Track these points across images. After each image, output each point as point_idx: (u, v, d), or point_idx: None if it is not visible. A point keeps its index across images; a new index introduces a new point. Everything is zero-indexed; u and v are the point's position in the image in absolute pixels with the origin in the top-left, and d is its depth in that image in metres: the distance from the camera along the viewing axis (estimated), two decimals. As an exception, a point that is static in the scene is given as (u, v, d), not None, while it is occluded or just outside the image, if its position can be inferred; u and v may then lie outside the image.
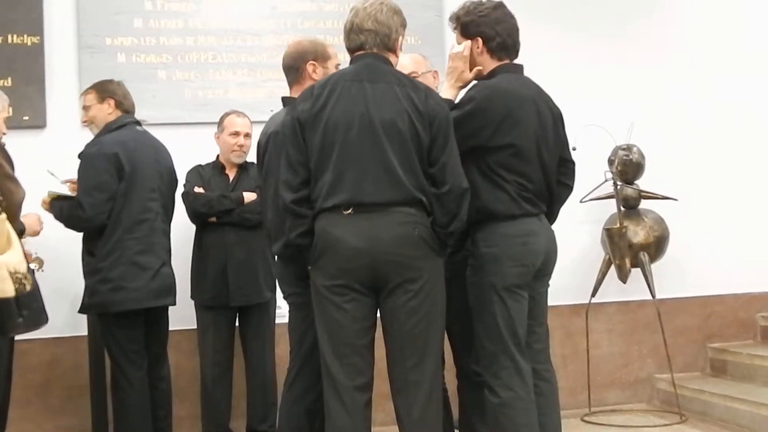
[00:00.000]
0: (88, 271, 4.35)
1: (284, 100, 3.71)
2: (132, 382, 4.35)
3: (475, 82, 3.58)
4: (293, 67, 3.68)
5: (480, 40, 3.52)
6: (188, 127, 5.24)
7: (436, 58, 5.27)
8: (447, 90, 3.54)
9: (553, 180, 3.56)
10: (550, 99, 3.64)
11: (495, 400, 3.39)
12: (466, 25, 3.54)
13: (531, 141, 3.45)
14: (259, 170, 3.72)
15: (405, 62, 3.86)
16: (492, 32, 3.51)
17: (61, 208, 4.34)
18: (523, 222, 3.42)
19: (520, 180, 3.42)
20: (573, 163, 3.70)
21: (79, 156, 4.37)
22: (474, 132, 3.36)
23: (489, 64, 3.54)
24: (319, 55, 3.67)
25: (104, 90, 4.48)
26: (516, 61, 3.62)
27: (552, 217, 3.62)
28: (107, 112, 4.45)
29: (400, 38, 3.39)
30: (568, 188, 3.69)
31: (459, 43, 3.56)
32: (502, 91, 3.45)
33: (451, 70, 3.55)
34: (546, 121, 3.54)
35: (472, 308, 3.45)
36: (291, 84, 3.71)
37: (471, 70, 3.55)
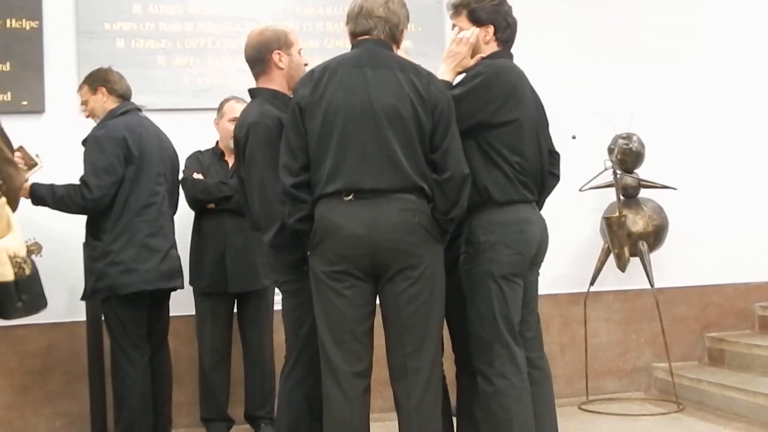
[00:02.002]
0: (95, 256, 4.33)
1: (252, 91, 3.66)
2: (136, 368, 4.37)
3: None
4: (258, 59, 3.63)
5: (492, 29, 3.51)
6: (187, 113, 5.23)
7: (435, 44, 5.29)
8: (446, 72, 3.51)
9: (547, 168, 3.57)
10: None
11: (489, 388, 3.38)
12: (475, 12, 3.51)
13: (531, 120, 3.47)
14: (239, 162, 3.62)
15: None
16: (505, 23, 3.53)
17: (53, 190, 4.30)
18: (519, 209, 3.42)
19: (519, 160, 3.41)
20: (558, 153, 3.71)
21: (86, 139, 4.37)
22: (479, 107, 3.35)
23: (490, 52, 3.54)
24: (283, 43, 3.62)
25: (94, 80, 4.50)
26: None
27: (539, 205, 3.62)
28: (102, 100, 4.47)
29: (405, 31, 3.40)
30: (556, 178, 3.69)
31: (462, 29, 3.53)
32: (507, 68, 3.47)
33: (453, 54, 3.52)
34: (540, 109, 3.58)
35: (466, 296, 3.44)
36: (257, 75, 3.65)
37: (471, 57, 3.53)
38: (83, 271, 4.49)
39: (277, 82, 3.57)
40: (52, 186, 4.33)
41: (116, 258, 4.28)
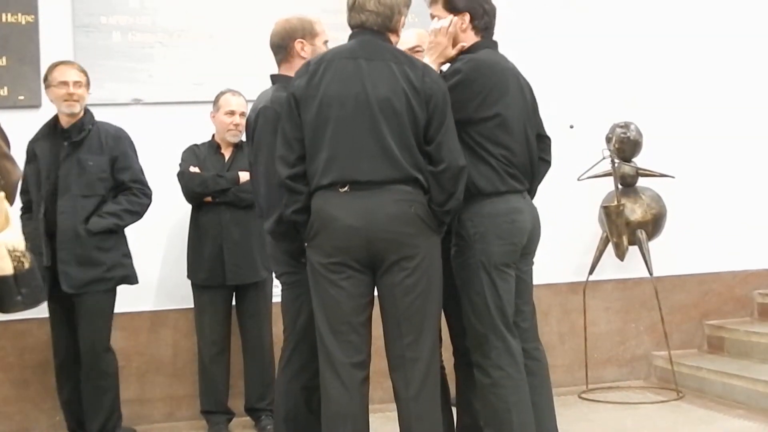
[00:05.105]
0: (108, 247, 4.46)
1: (273, 77, 3.69)
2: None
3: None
4: (281, 46, 3.66)
5: (468, 16, 3.48)
6: (184, 106, 5.21)
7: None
8: (429, 65, 3.48)
9: (536, 155, 3.56)
10: (523, 76, 3.62)
11: (485, 380, 3.39)
12: (452, 0, 3.49)
13: (516, 113, 3.45)
14: (249, 146, 3.70)
15: (410, 37, 3.83)
16: (481, 10, 3.50)
17: (115, 215, 4.48)
18: (509, 199, 3.41)
19: (505, 153, 3.40)
20: (549, 138, 3.70)
21: (119, 138, 4.54)
22: (461, 104, 3.33)
23: (470, 41, 3.51)
24: (307, 32, 3.65)
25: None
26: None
27: (532, 192, 3.61)
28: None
29: (403, 18, 3.37)
30: (547, 164, 3.69)
31: (439, 18, 3.50)
32: (488, 63, 3.44)
33: (433, 46, 3.50)
34: (527, 96, 3.55)
35: (459, 288, 3.44)
36: (279, 62, 3.69)
37: (453, 46, 3.51)
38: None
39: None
40: (106, 213, 4.47)
41: (126, 251, 4.55)
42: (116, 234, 4.50)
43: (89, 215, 4.42)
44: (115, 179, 4.54)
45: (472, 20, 3.49)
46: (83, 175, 4.44)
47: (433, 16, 3.55)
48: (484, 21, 3.50)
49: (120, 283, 4.53)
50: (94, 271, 4.42)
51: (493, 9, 3.55)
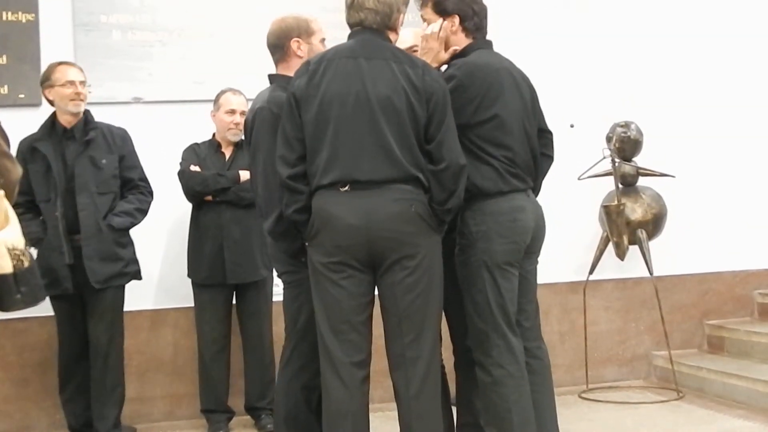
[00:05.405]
0: (125, 242, 4.59)
1: (270, 77, 3.70)
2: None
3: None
4: (278, 46, 3.66)
5: (457, 19, 3.48)
6: (184, 104, 5.21)
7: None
8: None
9: (537, 152, 3.55)
10: (522, 71, 3.62)
11: (486, 378, 3.39)
12: (440, 3, 3.49)
13: (514, 112, 3.44)
14: (246, 147, 3.72)
15: (406, 36, 3.83)
16: (470, 11, 3.50)
17: (128, 214, 4.58)
18: (512, 198, 3.41)
19: (507, 154, 3.40)
20: (551, 133, 3.69)
21: (125, 138, 4.66)
22: (458, 109, 3.33)
23: (462, 43, 3.51)
24: (303, 31, 3.65)
25: None
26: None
27: (536, 189, 3.61)
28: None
29: (401, 16, 3.38)
30: (550, 159, 3.68)
31: (429, 21, 3.51)
32: (482, 66, 3.44)
33: (426, 51, 3.51)
34: (524, 93, 3.54)
35: (461, 287, 3.44)
36: (277, 62, 3.70)
37: (446, 50, 3.51)
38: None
39: (294, 70, 3.52)
40: (122, 213, 4.57)
41: (134, 247, 4.63)
42: (127, 231, 4.59)
43: (107, 212, 4.51)
44: (123, 177, 4.61)
45: (462, 22, 3.49)
46: (98, 174, 4.51)
47: (424, 19, 3.56)
48: (474, 22, 3.50)
49: (133, 279, 4.63)
50: (115, 266, 4.52)
51: (484, 9, 3.55)
